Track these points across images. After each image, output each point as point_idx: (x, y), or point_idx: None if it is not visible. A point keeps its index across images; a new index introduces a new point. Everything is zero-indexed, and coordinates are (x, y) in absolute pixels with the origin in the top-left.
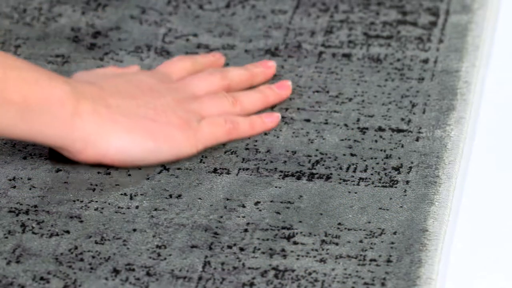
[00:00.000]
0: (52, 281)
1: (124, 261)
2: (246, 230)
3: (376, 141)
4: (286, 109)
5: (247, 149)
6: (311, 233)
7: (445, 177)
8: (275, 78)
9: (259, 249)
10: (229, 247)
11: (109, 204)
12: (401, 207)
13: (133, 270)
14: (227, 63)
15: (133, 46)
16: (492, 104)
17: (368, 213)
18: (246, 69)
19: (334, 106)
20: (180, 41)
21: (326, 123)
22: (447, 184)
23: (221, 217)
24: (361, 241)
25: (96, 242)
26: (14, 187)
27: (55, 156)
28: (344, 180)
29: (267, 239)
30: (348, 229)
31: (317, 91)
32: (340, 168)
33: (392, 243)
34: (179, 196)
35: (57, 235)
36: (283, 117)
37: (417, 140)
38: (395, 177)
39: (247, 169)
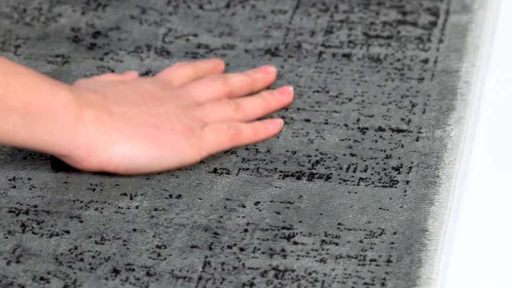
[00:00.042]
0: (52, 281)
1: (124, 261)
2: (246, 230)
3: (376, 141)
4: (286, 109)
5: (247, 149)
6: (311, 233)
7: (445, 177)
8: (275, 78)
9: (259, 249)
10: (229, 247)
11: (109, 204)
12: (401, 207)
13: (133, 270)
14: (227, 63)
15: (133, 46)
16: (492, 104)
17: (368, 213)
18: (247, 75)
19: (334, 106)
20: (180, 41)
21: (326, 123)
22: (447, 184)
23: (221, 217)
24: (361, 241)
25: (96, 242)
26: (14, 187)
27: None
28: (344, 180)
29: (267, 239)
30: (348, 229)
31: (317, 91)
32: (340, 168)
33: (392, 243)
34: (179, 196)
35: (57, 235)
36: (283, 117)
37: (417, 140)
38: (395, 177)
39: (247, 169)
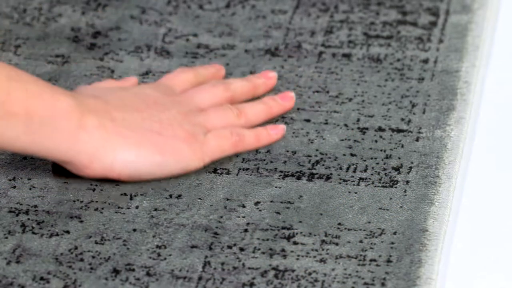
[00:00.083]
0: (52, 281)
1: (124, 261)
2: (246, 230)
3: (376, 141)
4: None
5: None
6: (311, 233)
7: (445, 177)
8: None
9: (259, 249)
10: (229, 247)
11: (109, 204)
12: (401, 207)
13: (133, 270)
14: (227, 63)
15: (133, 46)
16: (492, 104)
17: (368, 213)
18: (248, 80)
19: (334, 106)
20: (180, 41)
21: (326, 123)
22: (447, 184)
23: (221, 217)
24: (361, 241)
25: (96, 242)
26: (14, 187)
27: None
28: (344, 180)
29: (267, 239)
30: (348, 229)
31: (317, 91)
32: (340, 168)
33: (392, 243)
34: (179, 196)
35: (57, 235)
36: (283, 117)
37: (417, 140)
38: (395, 177)
39: (247, 169)
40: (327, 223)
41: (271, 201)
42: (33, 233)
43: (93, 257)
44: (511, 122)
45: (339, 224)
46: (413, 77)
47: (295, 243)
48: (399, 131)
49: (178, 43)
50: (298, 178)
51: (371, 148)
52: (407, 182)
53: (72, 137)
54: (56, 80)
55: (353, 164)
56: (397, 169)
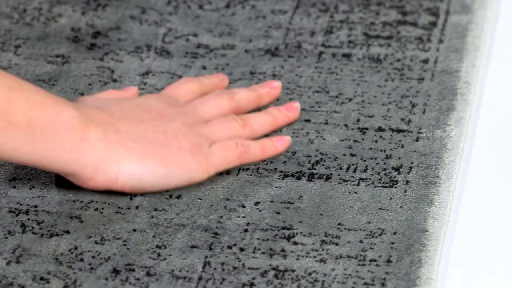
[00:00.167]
0: (52, 281)
1: (124, 261)
2: (246, 230)
3: (376, 141)
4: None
5: None
6: (311, 233)
7: (445, 177)
8: (275, 78)
9: (259, 249)
10: (229, 247)
11: (109, 204)
12: (401, 207)
13: (133, 270)
14: (227, 63)
15: (133, 46)
16: (492, 104)
17: (368, 213)
18: (253, 90)
19: (334, 106)
20: (180, 41)
21: (326, 123)
22: (447, 184)
23: (221, 217)
24: (361, 241)
25: (96, 242)
26: (14, 187)
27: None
28: (344, 180)
29: (267, 239)
30: (348, 229)
31: (317, 91)
32: (340, 168)
33: (392, 243)
34: (179, 196)
35: (57, 235)
36: None
37: (417, 140)
38: (395, 177)
39: (247, 169)
40: (327, 223)
41: (271, 201)
42: (33, 233)
43: (93, 257)
44: (511, 122)
45: (339, 224)
46: (413, 77)
47: (295, 243)
48: (399, 131)
49: (178, 43)
50: (298, 178)
51: (371, 148)
52: (407, 182)
53: (75, 148)
54: (56, 80)
55: (353, 164)
56: (397, 169)
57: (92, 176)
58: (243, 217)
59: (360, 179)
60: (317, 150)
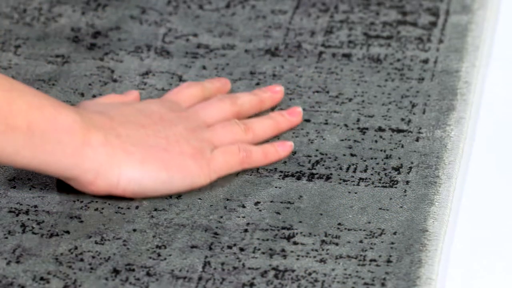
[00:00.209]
0: (52, 281)
1: (124, 261)
2: (246, 230)
3: (376, 141)
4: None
5: None
6: (311, 233)
7: (445, 177)
8: (275, 78)
9: (259, 249)
10: (229, 247)
11: (109, 204)
12: (401, 207)
13: (133, 270)
14: (227, 63)
15: (133, 46)
16: (492, 104)
17: (368, 213)
18: (255, 94)
19: (334, 106)
20: (180, 41)
21: (326, 123)
22: (447, 184)
23: (221, 217)
24: (361, 241)
25: (96, 242)
26: (14, 187)
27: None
28: (344, 180)
29: (267, 239)
30: (348, 229)
31: (317, 91)
32: (340, 168)
33: (392, 243)
34: (179, 196)
35: (57, 235)
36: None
37: (417, 140)
38: (395, 177)
39: (247, 169)
40: (327, 223)
41: (271, 201)
42: (33, 233)
43: (93, 257)
44: (511, 122)
45: (339, 224)
46: (413, 77)
47: (295, 243)
48: (399, 131)
49: (178, 43)
50: (298, 178)
51: (371, 148)
52: (407, 182)
53: (76, 153)
54: (56, 80)
55: (353, 164)
56: (397, 169)
57: (93, 181)
58: (243, 217)
59: (360, 179)
60: (317, 150)
